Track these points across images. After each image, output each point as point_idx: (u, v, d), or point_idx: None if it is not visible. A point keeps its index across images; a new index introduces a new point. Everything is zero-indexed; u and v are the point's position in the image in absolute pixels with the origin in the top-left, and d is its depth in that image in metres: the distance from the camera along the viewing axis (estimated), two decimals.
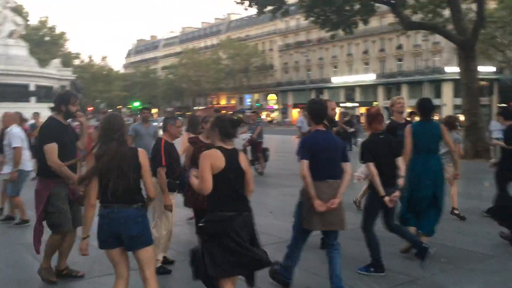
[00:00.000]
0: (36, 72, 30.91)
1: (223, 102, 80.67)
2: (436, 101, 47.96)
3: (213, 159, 3.55)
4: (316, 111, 4.49)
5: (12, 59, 29.53)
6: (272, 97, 73.84)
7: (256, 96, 75.92)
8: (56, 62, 34.61)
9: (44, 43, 56.20)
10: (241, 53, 70.83)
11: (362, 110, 62.50)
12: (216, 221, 3.54)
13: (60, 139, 4.69)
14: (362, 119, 17.55)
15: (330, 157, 4.33)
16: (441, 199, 5.67)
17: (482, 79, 20.60)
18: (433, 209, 5.58)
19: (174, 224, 5.40)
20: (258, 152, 13.51)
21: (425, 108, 5.88)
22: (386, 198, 4.82)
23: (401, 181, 4.98)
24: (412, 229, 5.62)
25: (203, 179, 3.54)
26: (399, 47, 58.03)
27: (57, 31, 61.41)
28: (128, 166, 3.51)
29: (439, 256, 5.38)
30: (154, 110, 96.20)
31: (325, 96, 66.29)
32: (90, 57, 67.96)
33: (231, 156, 3.63)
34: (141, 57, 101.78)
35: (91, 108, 56.31)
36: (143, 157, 3.67)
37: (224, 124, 3.70)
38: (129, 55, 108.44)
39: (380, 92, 60.11)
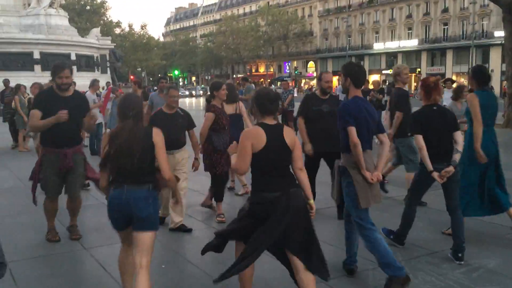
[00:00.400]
0: (77, 41, 31.54)
1: (261, 69, 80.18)
2: None
3: (254, 138, 3.36)
4: (357, 74, 4.09)
5: (53, 28, 30.19)
6: (311, 65, 72.77)
7: (295, 63, 74.96)
8: (96, 31, 35.17)
9: (85, 12, 57.15)
10: (280, 19, 69.86)
11: None
12: (259, 203, 3.38)
13: (45, 107, 4.95)
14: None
15: (369, 126, 4.04)
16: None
17: None
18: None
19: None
20: (289, 120, 13.40)
21: (485, 75, 5.39)
22: (435, 174, 4.50)
23: (457, 157, 4.58)
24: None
25: (240, 158, 3.38)
26: (445, 10, 55.58)
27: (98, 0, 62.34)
28: (140, 146, 3.39)
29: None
30: (193, 78, 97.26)
31: (366, 63, 64.98)
32: (130, 25, 68.65)
33: (274, 132, 3.40)
34: (180, 25, 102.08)
35: (133, 77, 57.17)
36: (158, 136, 3.50)
37: (261, 100, 3.48)
38: (168, 23, 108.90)
39: (424, 58, 58.16)
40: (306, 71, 73.56)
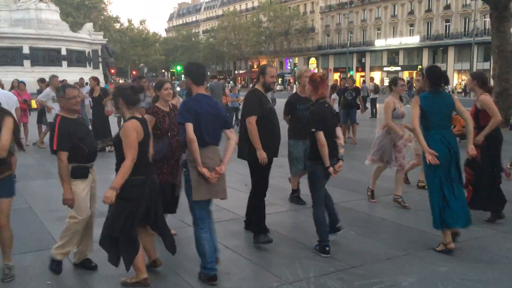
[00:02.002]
0: (68, 36, 31.30)
1: None
2: (485, 65, 45.22)
3: (138, 129, 3.81)
4: (196, 73, 4.20)
5: (43, 23, 29.99)
6: (312, 61, 72.21)
7: (296, 59, 74.39)
8: (89, 26, 34.92)
9: (83, 7, 56.81)
10: (282, 15, 69.35)
11: (406, 74, 60.16)
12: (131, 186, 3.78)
13: None
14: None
15: (214, 122, 4.08)
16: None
17: None
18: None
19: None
20: None
21: (439, 75, 4.93)
22: (331, 169, 4.65)
23: (342, 151, 4.87)
24: None
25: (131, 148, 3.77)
26: (447, 7, 54.84)
27: None
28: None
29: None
30: None
31: (367, 60, 64.37)
32: (130, 21, 67.93)
33: (144, 124, 3.96)
34: (182, 20, 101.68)
35: (135, 73, 56.88)
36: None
37: (126, 92, 3.92)
38: (171, 18, 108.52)
39: (425, 55, 57.45)
40: (308, 67, 72.94)
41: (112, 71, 33.11)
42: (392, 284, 4.08)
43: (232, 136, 4.16)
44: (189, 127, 3.85)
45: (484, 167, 5.74)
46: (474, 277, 4.22)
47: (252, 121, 4.93)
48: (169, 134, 4.82)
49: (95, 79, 10.55)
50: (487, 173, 5.78)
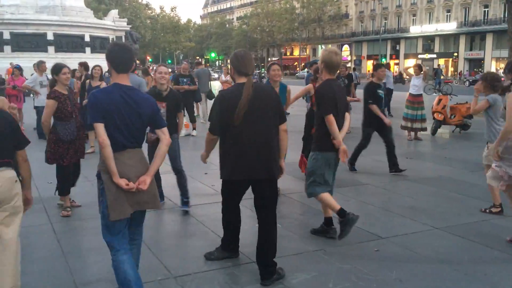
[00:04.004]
0: (91, 23, 31.78)
1: (296, 53, 78.78)
2: None
3: None
4: (117, 57, 3.21)
5: (67, 10, 30.54)
6: (345, 49, 70.77)
7: (329, 46, 73.00)
8: (114, 13, 35.34)
9: None
10: (315, 1, 68.10)
11: (441, 62, 58.10)
12: None
13: None
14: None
15: (132, 122, 3.20)
16: None
17: None
18: None
19: None
20: None
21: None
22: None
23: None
24: None
25: None
26: None
27: None
28: None
29: None
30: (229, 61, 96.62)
31: (402, 47, 62.48)
32: (161, 7, 68.72)
33: None
34: (217, 7, 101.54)
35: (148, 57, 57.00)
36: None
37: None
38: (206, 5, 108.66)
39: (462, 42, 55.24)
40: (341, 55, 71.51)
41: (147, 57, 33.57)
42: (281, 281, 3.85)
43: (163, 137, 3.31)
44: (99, 128, 3.05)
45: None
46: (372, 277, 3.92)
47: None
48: (74, 115, 5.04)
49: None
50: None
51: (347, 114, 4.74)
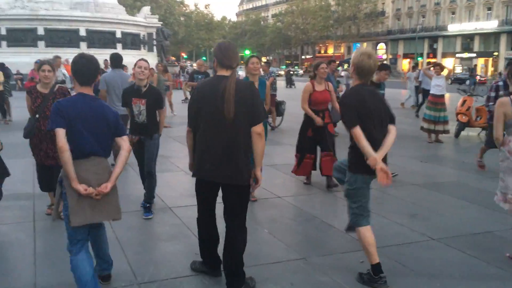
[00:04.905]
0: (123, 19, 32.10)
1: (330, 51, 77.79)
2: None
3: None
4: (81, 69, 3.27)
5: (99, 6, 30.97)
6: (381, 47, 69.38)
7: (364, 45, 71.73)
8: (146, 9, 35.61)
9: None
10: None
11: (481, 61, 56.12)
12: None
13: None
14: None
15: (98, 128, 3.27)
16: None
17: None
18: None
19: None
20: (271, 105, 12.49)
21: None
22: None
23: None
24: None
25: None
26: None
27: None
28: None
29: None
30: (263, 59, 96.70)
31: (439, 45, 60.68)
32: (196, 5, 68.93)
33: None
34: (252, 4, 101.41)
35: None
36: None
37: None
38: (241, 3, 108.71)
39: (503, 41, 53.18)
40: (376, 53, 70.15)
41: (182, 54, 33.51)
42: None
43: (124, 145, 3.32)
44: (59, 133, 3.08)
45: None
46: None
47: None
48: (37, 115, 4.87)
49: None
50: None
51: (391, 126, 3.79)
